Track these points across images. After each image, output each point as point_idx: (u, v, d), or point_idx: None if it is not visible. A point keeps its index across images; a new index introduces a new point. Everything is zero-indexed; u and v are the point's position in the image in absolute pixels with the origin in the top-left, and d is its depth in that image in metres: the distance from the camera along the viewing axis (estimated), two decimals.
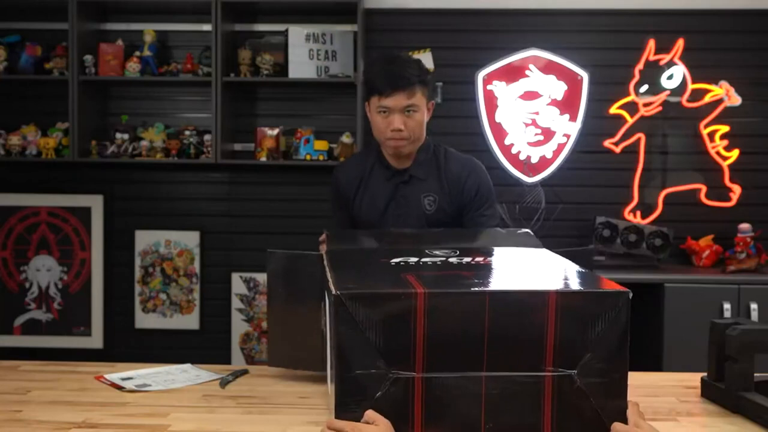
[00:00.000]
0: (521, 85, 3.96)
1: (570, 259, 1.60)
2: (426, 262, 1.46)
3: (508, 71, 3.96)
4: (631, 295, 1.25)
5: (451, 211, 2.31)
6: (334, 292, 1.23)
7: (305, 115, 4.03)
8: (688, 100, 3.93)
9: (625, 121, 3.95)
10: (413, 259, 1.48)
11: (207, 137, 3.86)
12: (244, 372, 1.95)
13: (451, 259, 1.49)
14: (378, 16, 3.99)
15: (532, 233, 1.86)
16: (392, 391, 1.23)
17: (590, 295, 1.27)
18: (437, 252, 1.55)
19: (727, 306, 3.46)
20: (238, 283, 4.06)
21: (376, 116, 2.24)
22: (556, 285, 1.30)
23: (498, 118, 3.97)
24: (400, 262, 1.46)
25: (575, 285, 1.34)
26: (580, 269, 1.46)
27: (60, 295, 4.08)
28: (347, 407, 1.23)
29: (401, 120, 2.20)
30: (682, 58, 3.92)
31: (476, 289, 1.26)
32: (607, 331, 1.25)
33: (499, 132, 3.97)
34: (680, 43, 3.91)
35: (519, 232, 1.88)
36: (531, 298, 1.24)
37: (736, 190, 3.94)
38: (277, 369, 1.91)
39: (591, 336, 1.25)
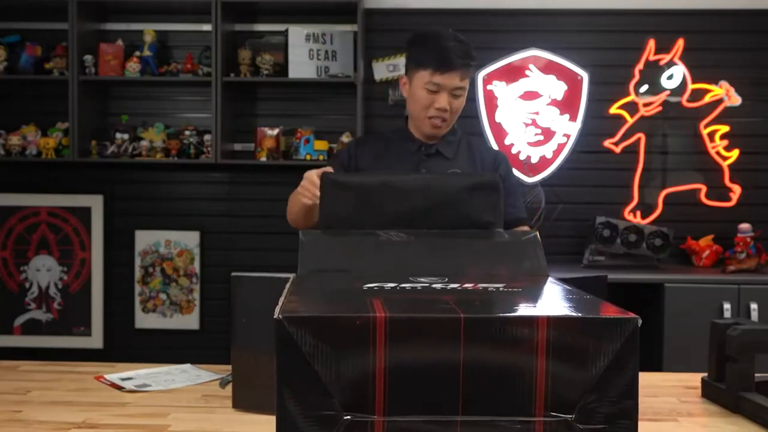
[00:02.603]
0: (521, 85, 3.96)
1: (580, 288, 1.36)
2: (404, 287, 1.23)
3: (508, 71, 3.96)
4: (640, 322, 1.05)
5: None
6: (275, 315, 1.02)
7: (305, 115, 4.03)
8: (688, 100, 3.93)
9: (625, 121, 3.95)
10: (390, 285, 1.25)
11: (207, 137, 3.86)
12: None
13: (435, 285, 1.27)
14: (378, 16, 3.99)
15: (537, 238, 1.65)
16: None
17: (589, 321, 1.05)
18: (422, 279, 1.33)
19: (727, 306, 3.46)
20: None
21: (420, 91, 2.16)
22: (547, 309, 1.09)
23: (498, 118, 3.97)
24: (374, 287, 1.23)
25: (571, 310, 1.12)
26: (583, 294, 1.23)
27: (60, 295, 4.08)
28: None
29: (448, 100, 2.15)
30: (682, 58, 3.92)
31: (448, 315, 1.04)
32: (612, 367, 1.03)
33: (499, 132, 3.96)
34: (680, 43, 3.91)
35: (524, 239, 1.63)
36: (516, 325, 1.02)
37: (736, 190, 3.94)
38: None
39: (592, 372, 1.03)
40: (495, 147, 2.40)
